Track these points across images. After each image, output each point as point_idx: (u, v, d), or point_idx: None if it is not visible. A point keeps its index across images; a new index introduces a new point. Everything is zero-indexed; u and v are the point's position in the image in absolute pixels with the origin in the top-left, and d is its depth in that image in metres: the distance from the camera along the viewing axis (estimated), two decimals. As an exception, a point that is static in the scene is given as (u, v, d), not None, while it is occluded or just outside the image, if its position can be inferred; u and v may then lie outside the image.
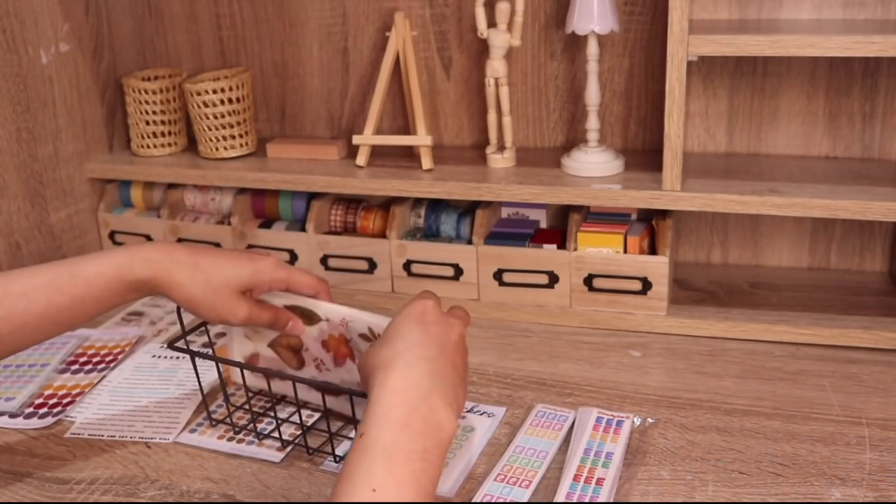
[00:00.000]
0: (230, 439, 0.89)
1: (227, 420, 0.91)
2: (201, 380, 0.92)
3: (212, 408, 0.94)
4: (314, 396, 0.89)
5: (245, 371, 0.90)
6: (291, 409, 0.92)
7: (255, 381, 0.93)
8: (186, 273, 0.83)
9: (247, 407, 0.92)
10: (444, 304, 1.15)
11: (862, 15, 1.08)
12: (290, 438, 0.88)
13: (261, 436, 0.89)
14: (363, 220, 1.25)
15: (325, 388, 0.86)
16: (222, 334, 1.02)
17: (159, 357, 1.07)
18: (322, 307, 0.88)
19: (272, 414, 0.90)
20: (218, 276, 0.84)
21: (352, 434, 0.88)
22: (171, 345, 0.89)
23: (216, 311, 0.84)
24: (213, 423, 0.91)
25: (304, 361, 0.90)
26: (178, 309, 0.88)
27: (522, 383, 0.98)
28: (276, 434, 0.88)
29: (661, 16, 1.15)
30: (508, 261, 1.14)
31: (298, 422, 0.89)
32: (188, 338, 0.90)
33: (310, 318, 0.89)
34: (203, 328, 0.93)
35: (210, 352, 0.92)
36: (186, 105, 1.30)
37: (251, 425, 0.90)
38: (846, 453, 0.83)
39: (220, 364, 0.90)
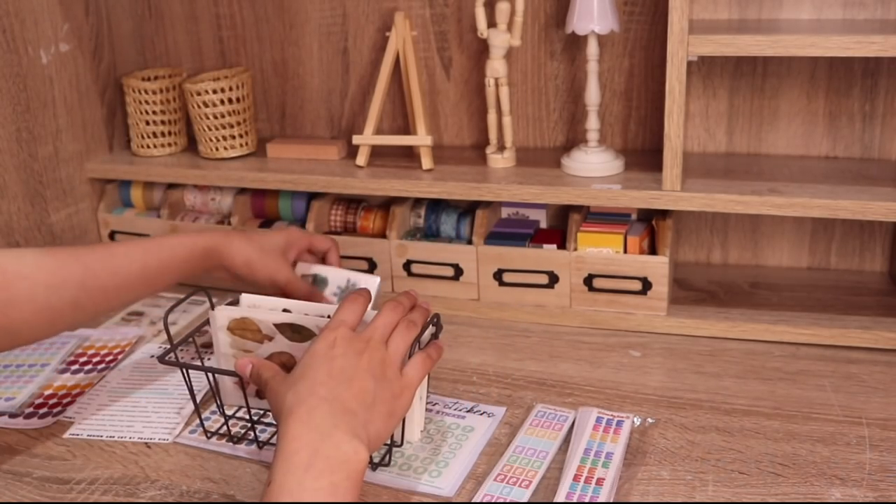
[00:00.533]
0: (230, 440, 0.89)
1: (222, 430, 0.90)
2: (195, 392, 0.90)
3: (205, 414, 0.93)
4: None
5: (236, 384, 0.90)
6: None
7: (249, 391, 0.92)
8: (242, 240, 1.01)
9: (240, 414, 0.92)
10: (445, 304, 1.16)
11: (862, 15, 1.08)
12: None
13: (261, 444, 0.88)
14: (363, 220, 1.25)
15: None
16: (208, 345, 1.01)
17: (159, 357, 1.07)
18: (316, 320, 0.86)
19: (266, 420, 0.90)
20: (267, 243, 1.02)
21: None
22: (161, 359, 0.88)
23: (268, 270, 1.00)
24: (209, 434, 0.90)
25: None
26: (165, 321, 0.88)
27: (522, 383, 0.98)
28: (274, 440, 0.88)
29: (661, 16, 1.15)
30: (508, 261, 1.14)
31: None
32: (180, 347, 0.89)
33: (303, 334, 0.87)
34: (191, 339, 0.91)
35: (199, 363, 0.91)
36: (186, 105, 1.30)
37: (247, 432, 0.90)
38: (846, 453, 0.83)
39: (212, 375, 0.89)
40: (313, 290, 1.04)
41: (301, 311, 0.88)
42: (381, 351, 0.76)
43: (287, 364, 0.89)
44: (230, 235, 1.01)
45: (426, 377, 0.89)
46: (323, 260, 1.09)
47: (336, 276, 1.05)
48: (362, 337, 0.76)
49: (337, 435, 0.67)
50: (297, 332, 0.87)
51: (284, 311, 0.89)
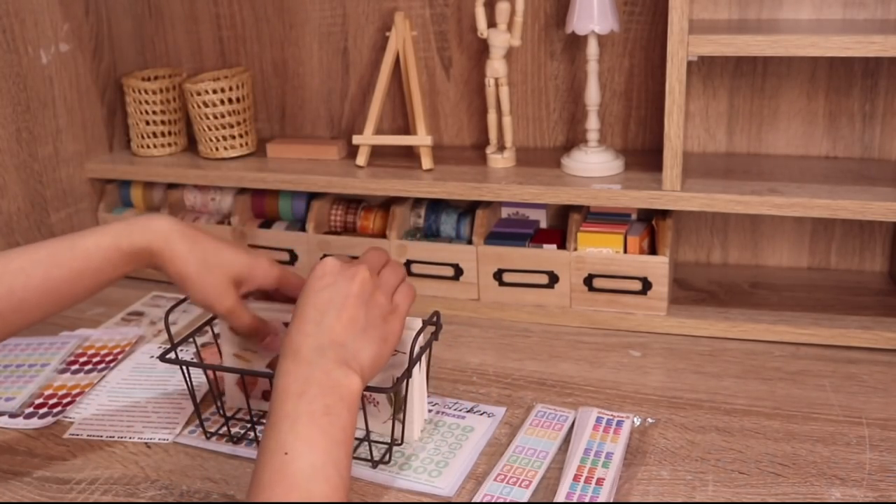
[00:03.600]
0: (230, 440, 0.89)
1: (222, 430, 0.90)
2: (195, 392, 0.90)
3: (205, 415, 0.93)
4: None
5: (237, 384, 0.90)
6: None
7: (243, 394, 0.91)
8: (185, 246, 0.83)
9: (240, 416, 0.92)
10: (445, 304, 1.16)
11: (862, 15, 1.08)
12: None
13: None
14: (363, 220, 1.25)
15: None
16: (208, 345, 1.01)
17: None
18: None
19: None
20: (215, 258, 0.84)
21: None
22: (162, 357, 0.87)
23: (204, 293, 0.83)
24: (208, 435, 0.90)
25: None
26: (166, 319, 0.88)
27: (522, 383, 0.98)
28: None
29: (661, 16, 1.15)
30: (508, 261, 1.14)
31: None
32: (179, 346, 0.89)
33: None
34: (191, 338, 0.91)
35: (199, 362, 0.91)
36: (186, 105, 1.30)
37: (247, 432, 0.90)
38: (846, 453, 0.83)
39: (212, 374, 0.89)
40: (261, 321, 0.87)
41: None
42: (373, 278, 0.76)
43: None
44: (174, 236, 0.83)
45: (426, 378, 0.89)
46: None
47: None
48: (352, 266, 0.76)
49: (325, 364, 0.69)
50: None
51: None
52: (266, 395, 0.91)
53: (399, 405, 0.84)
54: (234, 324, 0.87)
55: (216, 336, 0.93)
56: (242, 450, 0.88)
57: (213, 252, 0.84)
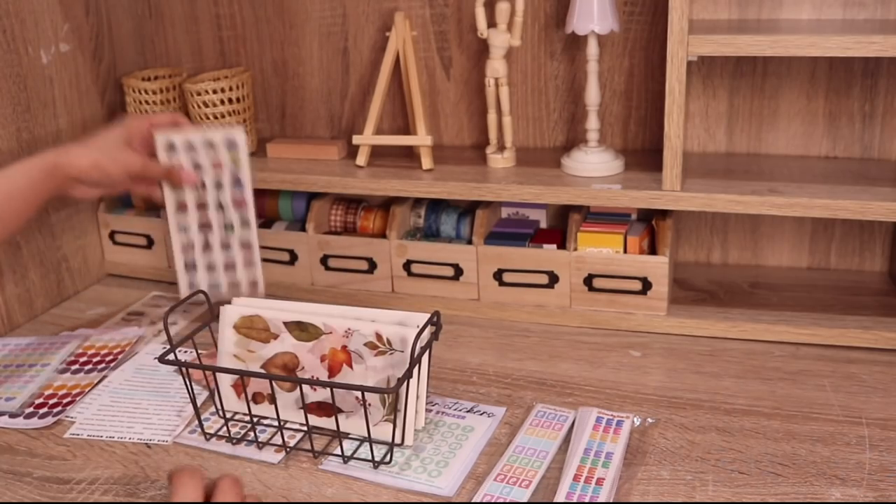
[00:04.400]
0: (229, 441, 0.89)
1: (221, 431, 0.90)
2: (194, 392, 0.90)
3: (205, 415, 0.93)
4: (297, 416, 0.89)
5: (233, 387, 0.90)
6: (284, 419, 0.90)
7: (243, 396, 0.91)
8: (79, 146, 1.01)
9: (239, 416, 0.92)
10: (445, 304, 1.16)
11: (862, 15, 1.08)
12: (289, 443, 0.88)
13: (261, 445, 0.88)
14: (363, 220, 1.25)
15: (333, 385, 0.85)
16: (207, 345, 1.01)
17: (159, 357, 1.07)
18: (324, 318, 0.87)
19: (276, 423, 0.89)
20: (103, 140, 1.03)
21: (349, 437, 0.88)
22: (161, 359, 0.88)
23: (117, 162, 1.01)
24: (207, 437, 0.90)
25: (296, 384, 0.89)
26: (165, 321, 0.88)
27: (522, 383, 0.98)
28: (273, 441, 0.88)
29: (661, 16, 1.15)
30: (508, 261, 1.14)
31: (303, 428, 0.89)
32: (179, 349, 0.89)
33: (310, 332, 0.88)
34: (190, 339, 0.91)
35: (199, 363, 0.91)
36: (186, 105, 1.30)
37: (246, 434, 0.90)
38: (846, 453, 0.83)
39: (212, 375, 0.89)
40: (171, 163, 1.07)
41: (309, 312, 0.89)
42: None
43: (289, 365, 0.89)
44: (66, 146, 1.01)
45: (426, 378, 0.89)
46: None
47: (194, 138, 1.08)
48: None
49: None
50: (303, 331, 0.88)
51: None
52: (256, 398, 0.91)
53: (395, 406, 0.84)
54: (154, 173, 1.06)
55: (215, 341, 0.93)
56: (242, 450, 0.88)
57: (100, 139, 1.03)
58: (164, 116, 1.10)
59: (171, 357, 0.87)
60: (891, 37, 0.92)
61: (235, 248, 1.12)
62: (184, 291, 1.13)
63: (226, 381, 0.92)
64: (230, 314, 0.90)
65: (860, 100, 1.13)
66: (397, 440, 0.85)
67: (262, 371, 0.89)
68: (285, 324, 0.88)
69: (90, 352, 1.10)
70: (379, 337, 0.85)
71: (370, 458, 0.84)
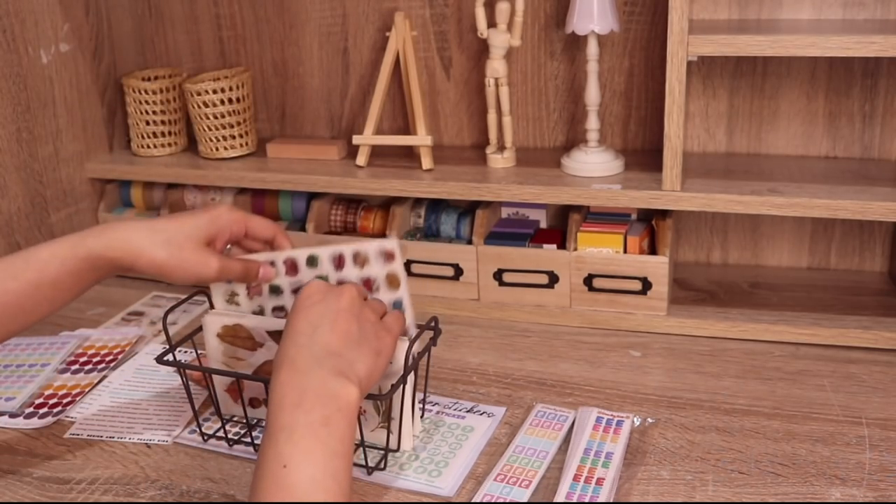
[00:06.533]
0: (227, 442, 0.89)
1: (219, 433, 0.90)
2: (192, 393, 0.90)
3: (205, 415, 0.93)
4: None
5: (227, 391, 0.89)
6: None
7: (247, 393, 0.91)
8: (143, 235, 0.81)
9: (237, 418, 0.92)
10: (445, 304, 1.16)
11: (862, 15, 1.08)
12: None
13: (257, 448, 0.87)
14: (363, 220, 1.25)
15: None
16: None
17: (159, 357, 1.07)
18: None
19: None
20: (178, 233, 0.82)
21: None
22: (159, 360, 0.86)
23: (186, 269, 0.82)
24: (205, 437, 0.89)
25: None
26: (165, 320, 0.88)
27: (522, 383, 0.98)
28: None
29: (661, 16, 1.15)
30: (508, 261, 1.14)
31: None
32: (179, 349, 0.88)
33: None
34: (189, 340, 0.90)
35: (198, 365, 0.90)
36: (186, 105, 1.30)
37: (243, 436, 0.89)
38: (846, 453, 0.83)
39: (210, 376, 0.88)
40: (249, 260, 0.86)
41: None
42: (362, 297, 0.77)
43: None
44: (129, 233, 0.81)
45: (423, 383, 0.89)
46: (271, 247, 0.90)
47: (324, 253, 0.86)
48: (339, 287, 0.77)
49: (321, 374, 0.68)
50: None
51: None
52: (253, 403, 0.90)
53: (388, 413, 0.83)
54: (230, 278, 0.85)
55: (199, 354, 0.92)
56: (242, 449, 0.88)
57: (173, 229, 0.82)
58: (265, 227, 0.88)
59: (169, 357, 0.87)
60: (891, 37, 0.92)
61: None
62: None
63: (221, 385, 0.91)
64: (211, 324, 0.87)
65: (860, 100, 1.13)
66: (392, 446, 0.84)
67: (264, 378, 0.87)
68: (270, 333, 0.86)
69: (90, 352, 1.10)
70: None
71: (364, 464, 0.83)
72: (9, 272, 0.79)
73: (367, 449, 0.84)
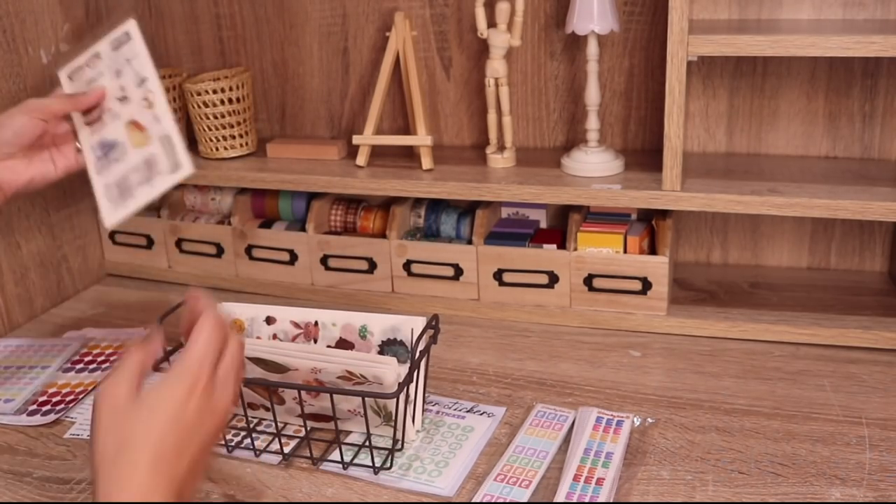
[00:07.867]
0: (225, 446, 0.89)
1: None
2: None
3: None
4: (295, 422, 0.89)
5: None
6: (282, 422, 0.90)
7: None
8: None
9: (235, 420, 0.92)
10: (445, 304, 1.16)
11: (862, 15, 1.08)
12: (285, 449, 0.87)
13: (258, 452, 0.87)
14: (363, 220, 1.25)
15: (333, 391, 0.83)
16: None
17: (159, 357, 1.07)
18: (285, 358, 0.83)
19: (273, 428, 0.89)
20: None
21: (346, 439, 0.88)
22: (154, 367, 0.86)
23: (19, 176, 0.89)
24: None
25: (284, 400, 0.87)
26: (159, 325, 0.87)
27: (522, 383, 0.99)
28: (271, 448, 0.88)
29: (661, 16, 1.15)
30: (508, 261, 1.14)
31: (303, 433, 0.88)
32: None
33: (276, 367, 0.84)
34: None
35: None
36: (186, 105, 1.30)
37: (242, 439, 0.89)
38: (846, 453, 0.83)
39: None
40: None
41: (267, 349, 0.84)
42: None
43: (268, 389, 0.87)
44: None
45: (423, 381, 0.89)
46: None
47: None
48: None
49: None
50: (268, 365, 0.84)
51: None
52: (252, 408, 0.90)
53: (390, 413, 0.84)
54: (57, 109, 0.93)
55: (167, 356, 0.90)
56: (241, 449, 0.88)
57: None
58: (60, 103, 0.96)
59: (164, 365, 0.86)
60: (891, 37, 0.92)
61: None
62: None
63: None
64: None
65: (860, 100, 1.13)
66: (397, 446, 0.84)
67: (264, 380, 0.86)
68: (248, 359, 0.83)
69: (94, 351, 1.10)
70: (350, 373, 0.81)
71: (370, 464, 0.83)
72: None
73: (372, 449, 0.84)
